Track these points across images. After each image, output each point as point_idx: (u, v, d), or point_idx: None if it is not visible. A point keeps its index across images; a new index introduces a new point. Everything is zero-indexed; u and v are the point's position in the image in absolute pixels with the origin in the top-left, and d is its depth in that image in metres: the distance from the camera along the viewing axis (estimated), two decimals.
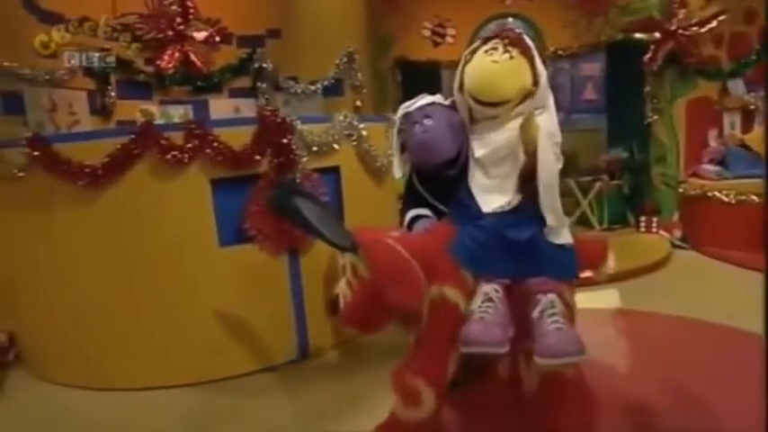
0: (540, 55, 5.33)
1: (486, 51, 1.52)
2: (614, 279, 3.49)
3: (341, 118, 2.58)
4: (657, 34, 4.62)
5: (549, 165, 1.43)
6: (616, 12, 5.31)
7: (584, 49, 5.64)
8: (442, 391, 1.52)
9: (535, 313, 1.39)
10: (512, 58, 1.49)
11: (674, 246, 4.18)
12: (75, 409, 2.30)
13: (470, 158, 1.59)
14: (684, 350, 2.38)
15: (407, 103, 1.67)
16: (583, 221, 5.02)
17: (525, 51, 1.52)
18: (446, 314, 1.44)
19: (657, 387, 2.01)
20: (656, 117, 4.84)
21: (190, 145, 2.17)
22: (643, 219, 4.69)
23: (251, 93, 4.44)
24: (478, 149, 1.56)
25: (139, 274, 2.31)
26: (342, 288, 1.56)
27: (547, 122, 1.51)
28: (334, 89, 4.36)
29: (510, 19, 5.99)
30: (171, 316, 2.34)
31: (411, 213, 1.65)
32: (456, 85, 1.61)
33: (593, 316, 2.95)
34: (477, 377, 1.81)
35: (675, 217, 4.58)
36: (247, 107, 4.43)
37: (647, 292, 3.32)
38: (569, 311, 1.47)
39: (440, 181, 1.62)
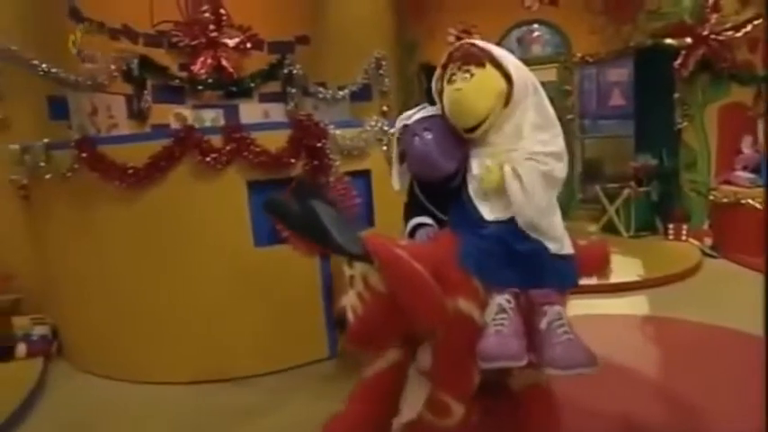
0: (566, 62, 5.26)
1: (448, 81, 1.49)
2: (643, 286, 3.48)
3: (372, 123, 2.64)
4: (689, 39, 4.55)
5: (522, 210, 1.40)
6: (645, 17, 5.26)
7: (611, 55, 5.60)
8: (471, 402, 1.50)
9: (543, 324, 1.36)
10: (472, 75, 1.45)
11: (705, 254, 4.10)
12: (112, 400, 2.40)
13: (469, 168, 1.55)
14: (710, 357, 2.36)
15: (407, 114, 1.65)
16: (609, 228, 4.97)
17: (481, 60, 1.46)
18: (462, 327, 1.41)
19: (681, 393, 1.99)
20: (686, 123, 4.76)
21: (228, 148, 2.25)
22: (672, 226, 4.61)
23: (280, 98, 4.55)
24: (473, 163, 1.54)
25: (177, 272, 2.40)
26: (352, 301, 1.48)
27: (517, 168, 1.43)
28: (361, 94, 4.43)
29: (536, 25, 6.02)
30: (206, 313, 2.42)
31: (413, 222, 1.63)
32: (440, 109, 1.58)
33: (619, 322, 2.93)
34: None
35: (706, 225, 4.50)
36: (277, 112, 4.54)
37: (676, 300, 3.27)
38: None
39: (440, 191, 1.60)
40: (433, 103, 1.67)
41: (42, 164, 2.60)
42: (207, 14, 4.52)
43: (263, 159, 2.30)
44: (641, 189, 4.85)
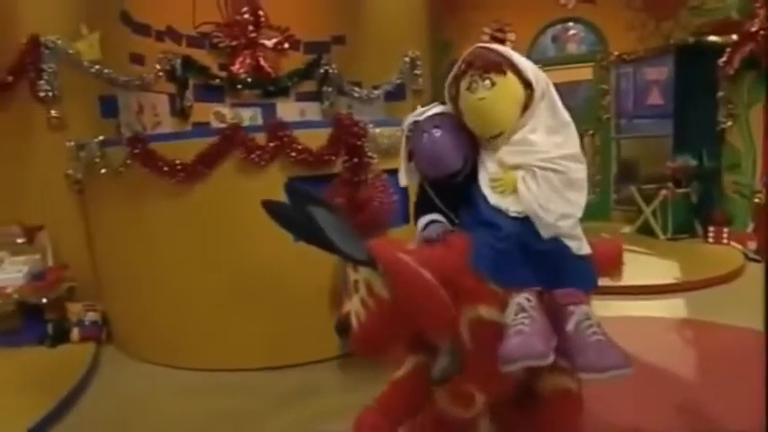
0: (602, 60, 5.17)
1: (467, 89, 1.46)
2: (681, 289, 3.41)
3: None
4: (734, 36, 4.41)
5: (537, 213, 1.36)
6: (688, 13, 5.12)
7: (650, 52, 5.47)
8: (495, 396, 1.48)
9: (570, 326, 1.30)
10: (493, 84, 1.42)
11: (748, 258, 3.97)
12: (157, 384, 2.52)
13: (480, 166, 1.54)
14: (746, 362, 2.30)
15: (417, 112, 1.64)
16: (645, 230, 4.87)
17: (502, 67, 1.44)
18: (487, 334, 1.36)
19: (714, 397, 1.97)
20: (730, 123, 4.61)
21: (272, 145, 2.34)
22: (712, 229, 4.48)
23: (316, 97, 4.64)
24: (485, 164, 1.51)
25: (221, 263, 2.51)
26: (355, 307, 1.45)
27: (523, 185, 1.41)
28: (395, 93, 4.48)
29: (571, 23, 5.93)
30: (247, 303, 2.52)
31: (425, 219, 1.60)
32: (450, 108, 1.57)
33: (656, 324, 2.89)
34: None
35: (750, 228, 4.35)
36: (312, 110, 4.64)
37: (717, 304, 3.20)
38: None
39: (450, 189, 1.59)
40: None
41: (97, 160, 2.75)
42: (246, 16, 4.65)
43: (305, 157, 2.38)
44: (679, 190, 4.74)
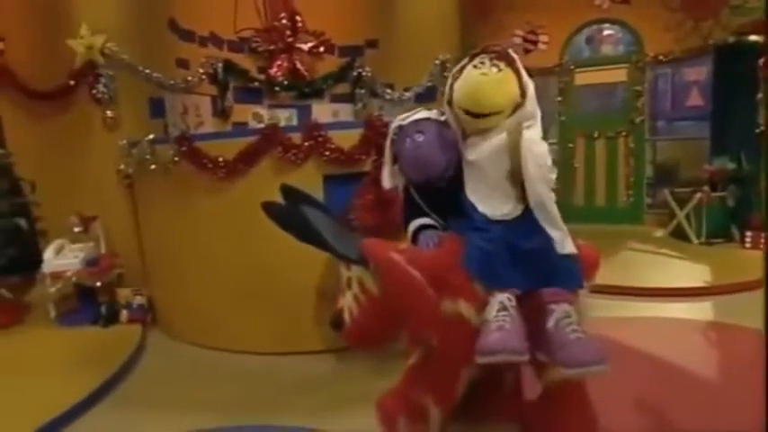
0: (638, 61, 5.12)
1: (474, 66, 1.53)
2: (713, 292, 3.36)
3: None
4: None
5: (535, 182, 1.43)
6: (729, 13, 5.00)
7: (688, 53, 5.37)
8: (449, 410, 1.51)
9: (551, 323, 1.36)
10: (500, 70, 1.50)
11: None
12: (199, 364, 2.72)
13: (465, 169, 1.59)
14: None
15: (402, 116, 1.69)
16: (678, 234, 4.79)
17: (511, 64, 1.52)
18: (460, 331, 1.40)
19: (734, 399, 1.98)
20: None
21: (307, 145, 2.50)
22: (750, 234, 4.37)
23: (349, 98, 4.80)
24: (471, 155, 1.57)
25: (260, 253, 2.68)
26: (348, 303, 1.50)
27: (533, 140, 1.49)
28: (426, 96, 4.58)
29: (606, 24, 5.87)
30: (283, 291, 2.68)
31: (415, 223, 1.64)
32: (445, 100, 1.62)
33: (683, 326, 2.88)
34: (481, 390, 1.71)
35: None
36: (345, 112, 4.79)
37: (748, 308, 3.14)
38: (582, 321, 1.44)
39: (433, 192, 1.62)
40: None
41: (148, 156, 2.99)
42: (284, 21, 4.85)
43: (337, 156, 2.52)
44: (715, 194, 4.64)
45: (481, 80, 1.50)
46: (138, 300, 3.24)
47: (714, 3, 5.12)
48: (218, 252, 2.78)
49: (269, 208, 1.54)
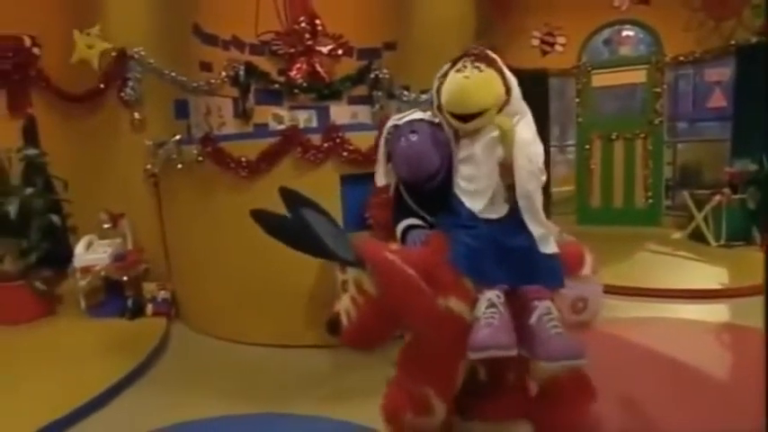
0: (657, 62, 5.08)
1: (456, 70, 1.57)
2: (730, 294, 3.34)
3: None
4: None
5: (522, 176, 1.46)
6: (751, 12, 4.93)
7: (709, 53, 5.31)
8: (451, 401, 1.54)
9: (533, 319, 1.40)
10: (481, 71, 1.54)
11: None
12: (220, 356, 2.84)
13: (455, 169, 1.62)
14: None
15: (397, 116, 1.73)
16: (697, 237, 4.75)
17: (492, 63, 1.56)
18: (452, 326, 1.43)
19: (746, 399, 1.99)
20: None
21: (326, 146, 2.59)
22: None
23: (367, 100, 4.88)
24: (463, 153, 1.60)
25: (279, 250, 2.76)
26: (345, 305, 1.52)
27: (524, 132, 1.53)
28: None
29: (625, 25, 5.84)
30: (299, 287, 2.78)
31: (404, 224, 1.66)
32: (434, 105, 1.66)
33: (698, 327, 2.89)
34: (486, 389, 1.73)
35: None
36: (363, 113, 4.88)
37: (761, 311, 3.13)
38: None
39: (424, 192, 1.65)
40: None
41: (174, 156, 3.12)
42: (304, 25, 4.96)
43: (355, 156, 2.61)
44: (735, 196, 4.58)
45: (464, 83, 1.54)
46: (163, 294, 3.38)
47: (735, 2, 5.05)
48: (238, 249, 2.89)
49: (258, 216, 1.54)
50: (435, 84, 1.65)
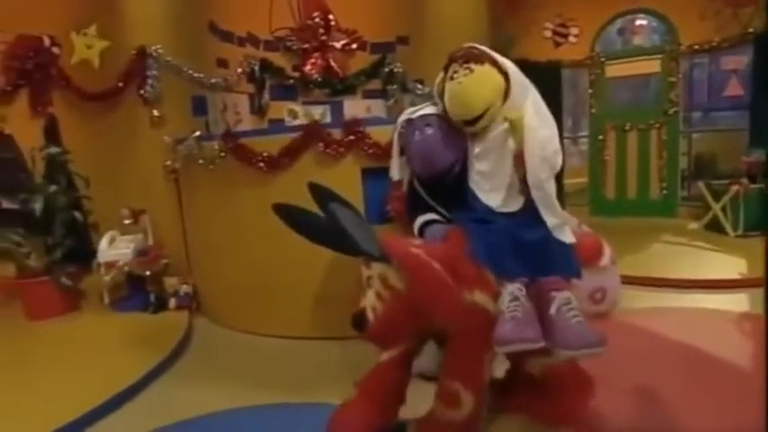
0: (672, 52, 5.05)
1: (450, 78, 1.58)
2: (749, 284, 3.32)
3: None
4: None
5: (535, 164, 1.46)
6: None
7: (726, 41, 5.25)
8: (481, 394, 1.55)
9: (553, 310, 1.42)
10: (472, 71, 1.54)
11: None
12: (242, 348, 2.87)
13: (469, 164, 1.61)
14: None
15: (410, 110, 1.72)
16: (714, 227, 4.72)
17: (482, 59, 1.56)
18: (478, 319, 1.45)
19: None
20: None
21: (347, 140, 2.61)
22: None
23: (381, 94, 4.90)
24: (477, 147, 1.61)
25: (300, 244, 2.79)
26: (371, 300, 1.51)
27: (533, 120, 1.51)
28: None
29: (639, 14, 5.79)
30: (321, 279, 2.81)
31: (422, 219, 1.65)
32: (441, 109, 1.67)
33: (718, 317, 2.88)
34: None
35: None
36: (377, 107, 4.89)
37: None
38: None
39: (438, 186, 1.64)
40: None
41: (195, 152, 3.16)
42: (317, 20, 4.98)
43: (374, 150, 2.62)
44: (753, 186, 4.54)
45: (459, 89, 1.55)
46: (185, 288, 3.43)
47: None
48: (259, 243, 2.93)
49: (281, 210, 1.56)
50: (436, 89, 1.66)
